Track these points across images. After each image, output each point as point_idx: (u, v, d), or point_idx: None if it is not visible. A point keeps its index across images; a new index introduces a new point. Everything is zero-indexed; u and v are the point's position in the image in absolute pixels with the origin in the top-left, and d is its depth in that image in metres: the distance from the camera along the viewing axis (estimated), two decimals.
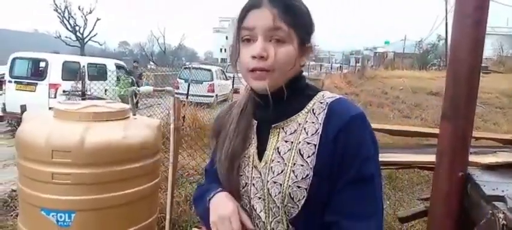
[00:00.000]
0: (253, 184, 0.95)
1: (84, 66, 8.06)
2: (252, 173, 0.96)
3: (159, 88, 3.09)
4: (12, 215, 3.83)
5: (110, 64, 10.60)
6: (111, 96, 7.76)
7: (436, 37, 38.58)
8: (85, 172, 1.97)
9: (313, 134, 0.90)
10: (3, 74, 10.00)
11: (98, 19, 29.92)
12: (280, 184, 0.89)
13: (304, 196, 0.88)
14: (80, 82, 6.16)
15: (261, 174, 0.94)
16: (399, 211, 3.32)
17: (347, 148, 0.86)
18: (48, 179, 1.96)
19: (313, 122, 0.91)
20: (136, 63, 13.43)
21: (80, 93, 6.04)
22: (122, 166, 2.07)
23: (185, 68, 14.38)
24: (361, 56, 47.03)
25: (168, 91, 2.69)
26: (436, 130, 2.48)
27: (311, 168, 0.88)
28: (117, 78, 10.22)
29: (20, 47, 14.75)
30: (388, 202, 4.01)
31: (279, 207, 0.90)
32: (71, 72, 8.87)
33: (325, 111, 0.91)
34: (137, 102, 9.92)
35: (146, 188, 2.20)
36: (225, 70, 16.59)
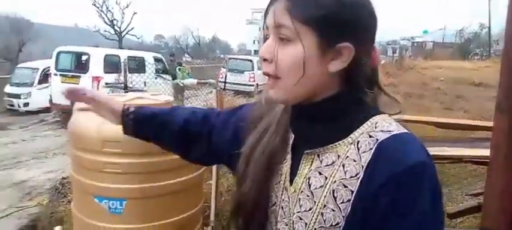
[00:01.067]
0: (282, 207, 0.81)
1: (125, 59, 8.30)
2: (282, 195, 0.81)
3: (203, 81, 3.13)
4: (63, 201, 4.03)
5: (148, 57, 10.86)
6: (150, 88, 7.95)
7: (479, 26, 36.95)
8: (134, 162, 2.04)
9: (352, 177, 0.70)
10: (49, 67, 10.48)
11: (134, 13, 30.69)
12: (306, 224, 0.75)
13: None
14: (123, 75, 6.36)
15: (289, 201, 0.80)
16: (448, 207, 3.22)
17: (393, 206, 0.66)
18: (100, 168, 2.04)
19: (354, 160, 0.71)
20: (172, 57, 13.72)
21: (122, 85, 6.23)
22: (169, 156, 2.11)
23: (230, 59, 15.27)
24: (398, 46, 45.67)
25: (210, 84, 2.73)
26: (487, 123, 2.39)
27: (343, 217, 0.70)
28: (178, 69, 10.62)
29: (61, 41, 15.40)
30: None
31: None
32: (111, 65, 9.18)
33: (373, 151, 0.69)
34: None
35: (192, 178, 2.25)
36: None
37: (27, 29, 26.06)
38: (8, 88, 12.53)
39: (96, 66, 8.88)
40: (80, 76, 9.01)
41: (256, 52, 60.59)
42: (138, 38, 35.96)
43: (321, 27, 0.69)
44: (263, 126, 0.87)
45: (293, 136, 0.82)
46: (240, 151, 0.88)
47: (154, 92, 3.63)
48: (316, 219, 0.73)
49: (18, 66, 14.59)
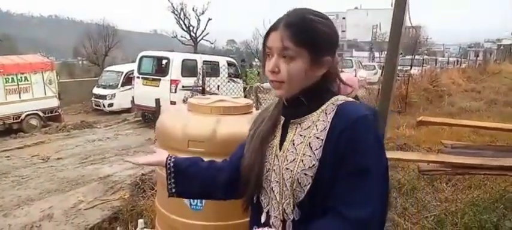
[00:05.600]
0: (274, 170, 1.13)
1: (202, 64, 8.63)
2: (273, 161, 1.13)
3: None
4: (143, 196, 4.30)
5: (222, 61, 11.19)
6: (223, 92, 8.19)
7: None
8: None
9: (321, 130, 1.04)
10: (132, 71, 11.26)
11: (209, 19, 31.64)
12: (291, 170, 1.06)
13: (309, 183, 1.03)
14: (201, 79, 6.63)
15: (279, 162, 1.11)
16: None
17: (348, 144, 0.99)
18: None
19: (323, 120, 1.06)
20: (244, 62, 14.07)
21: (200, 89, 6.50)
22: None
23: None
24: (482, 49, 42.32)
25: None
26: None
27: (317, 159, 1.03)
28: (245, 73, 10.90)
29: (141, 46, 16.47)
30: None
31: (289, 190, 1.07)
32: (188, 69, 9.60)
33: (334, 111, 1.05)
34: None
35: None
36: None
37: (112, 35, 28.10)
38: (96, 90, 13.72)
39: (175, 70, 9.32)
40: (160, 80, 9.51)
41: None
42: (212, 43, 37.11)
43: (313, 49, 1.05)
44: (258, 121, 1.23)
45: (283, 118, 1.16)
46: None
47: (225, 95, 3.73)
48: (298, 165, 1.05)
49: (105, 69, 15.89)
